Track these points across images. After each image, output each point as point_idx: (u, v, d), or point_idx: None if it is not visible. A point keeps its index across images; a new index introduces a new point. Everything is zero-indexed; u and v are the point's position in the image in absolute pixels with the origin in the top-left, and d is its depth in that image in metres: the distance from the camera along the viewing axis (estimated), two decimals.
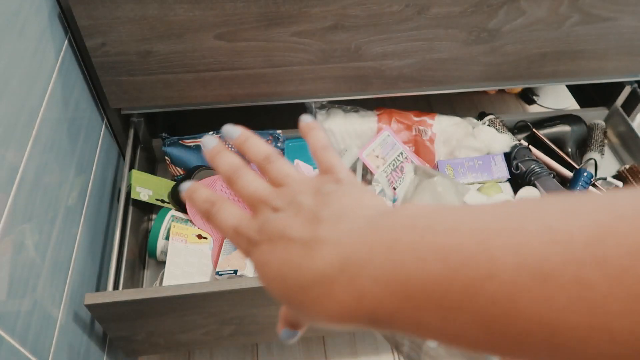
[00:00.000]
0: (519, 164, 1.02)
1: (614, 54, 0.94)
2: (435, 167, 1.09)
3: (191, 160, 1.02)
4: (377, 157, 1.04)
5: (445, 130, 1.06)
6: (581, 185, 0.98)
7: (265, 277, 0.26)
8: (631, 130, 1.08)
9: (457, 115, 1.08)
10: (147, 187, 0.96)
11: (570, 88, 1.35)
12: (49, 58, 0.73)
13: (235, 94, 0.90)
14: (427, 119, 1.07)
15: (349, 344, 1.11)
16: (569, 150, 1.08)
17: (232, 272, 0.84)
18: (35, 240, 0.66)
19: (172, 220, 0.93)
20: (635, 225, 0.16)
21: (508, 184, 1.04)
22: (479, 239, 0.19)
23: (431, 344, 0.32)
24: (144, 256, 0.99)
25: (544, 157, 1.06)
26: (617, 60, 0.95)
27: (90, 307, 0.74)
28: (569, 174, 1.03)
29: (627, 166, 1.05)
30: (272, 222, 0.26)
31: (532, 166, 1.00)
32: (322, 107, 1.07)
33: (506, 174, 1.02)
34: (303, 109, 1.12)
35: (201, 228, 0.93)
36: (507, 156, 1.04)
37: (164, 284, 0.85)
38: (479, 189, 0.98)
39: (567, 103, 1.35)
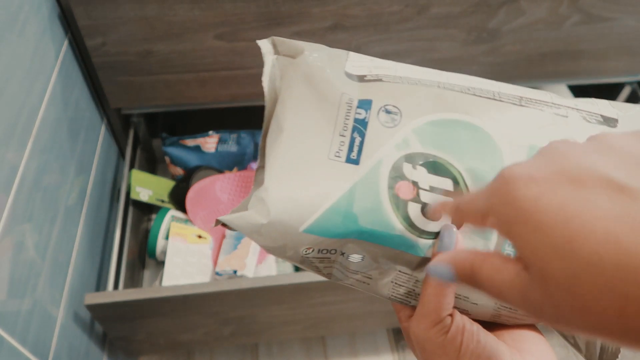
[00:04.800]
0: None
1: (614, 54, 0.94)
2: None
3: (191, 160, 1.02)
4: None
5: None
6: None
7: (564, 233, 0.17)
8: None
9: None
10: (147, 187, 0.96)
11: (571, 88, 1.35)
12: (49, 58, 0.73)
13: (235, 94, 0.90)
14: None
15: (349, 344, 1.11)
16: None
17: (232, 272, 0.84)
18: (35, 240, 0.66)
19: (172, 220, 0.93)
20: None
21: None
22: None
23: (354, 258, 0.31)
24: (144, 256, 0.99)
25: None
26: (617, 60, 0.95)
27: (90, 307, 0.74)
28: None
29: None
30: (579, 157, 0.19)
31: None
32: None
33: None
34: None
35: (201, 228, 0.93)
36: None
37: (163, 284, 0.85)
38: None
39: None
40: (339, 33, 0.82)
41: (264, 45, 0.30)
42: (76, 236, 0.80)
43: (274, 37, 0.31)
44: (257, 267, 0.89)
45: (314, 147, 0.29)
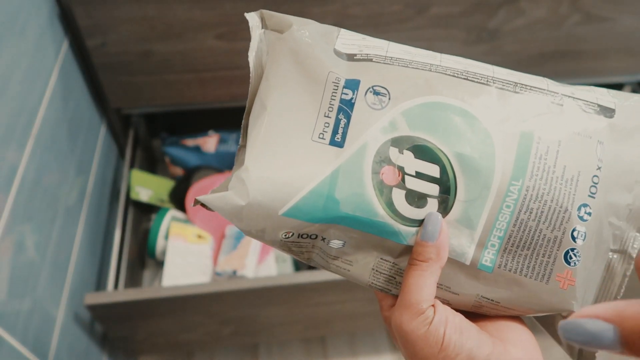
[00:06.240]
0: None
1: (614, 54, 0.94)
2: None
3: (191, 160, 1.02)
4: None
5: None
6: None
7: None
8: None
9: None
10: (147, 187, 0.96)
11: None
12: (49, 58, 0.73)
13: (235, 94, 0.90)
14: None
15: (349, 344, 1.11)
16: None
17: (232, 272, 0.84)
18: (35, 240, 0.66)
19: (172, 220, 0.93)
20: None
21: None
22: None
23: (335, 244, 0.30)
24: (144, 256, 0.99)
25: None
26: (617, 60, 0.95)
27: (90, 307, 0.74)
28: None
29: None
30: None
31: None
32: None
33: None
34: None
35: (201, 228, 0.93)
36: None
37: (163, 284, 0.85)
38: None
39: None
40: None
41: (252, 18, 0.29)
42: (76, 236, 0.80)
43: (263, 10, 0.30)
44: (257, 267, 0.89)
45: (297, 128, 0.28)
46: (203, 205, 0.27)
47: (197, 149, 1.02)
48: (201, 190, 0.96)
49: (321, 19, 0.79)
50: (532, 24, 0.86)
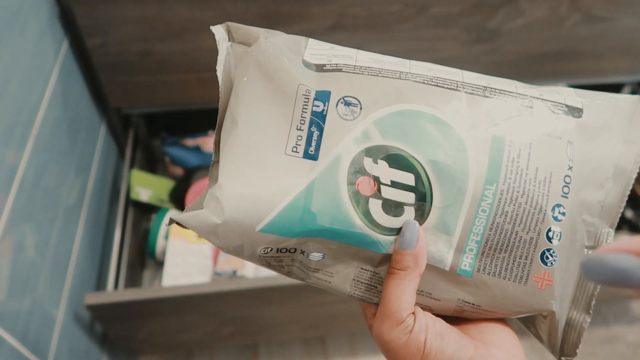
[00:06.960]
0: None
1: (614, 54, 0.94)
2: None
3: (191, 160, 1.02)
4: None
5: None
6: None
7: None
8: None
9: None
10: (147, 187, 0.96)
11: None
12: (49, 58, 0.73)
13: None
14: None
15: (349, 344, 1.11)
16: None
17: (232, 272, 0.84)
18: (35, 240, 0.66)
19: None
20: None
21: None
22: None
23: (314, 257, 0.30)
24: (144, 256, 0.99)
25: None
26: (617, 60, 0.95)
27: (90, 307, 0.74)
28: None
29: None
30: None
31: None
32: None
33: None
34: None
35: None
36: None
37: (163, 284, 0.85)
38: None
39: None
40: (339, 33, 0.82)
41: (218, 31, 0.29)
42: (76, 236, 0.80)
43: (229, 23, 0.29)
44: (257, 267, 0.89)
45: (270, 142, 0.28)
46: (178, 223, 0.27)
47: (197, 149, 1.02)
48: (201, 190, 0.96)
49: (321, 19, 0.80)
50: (532, 24, 0.86)
